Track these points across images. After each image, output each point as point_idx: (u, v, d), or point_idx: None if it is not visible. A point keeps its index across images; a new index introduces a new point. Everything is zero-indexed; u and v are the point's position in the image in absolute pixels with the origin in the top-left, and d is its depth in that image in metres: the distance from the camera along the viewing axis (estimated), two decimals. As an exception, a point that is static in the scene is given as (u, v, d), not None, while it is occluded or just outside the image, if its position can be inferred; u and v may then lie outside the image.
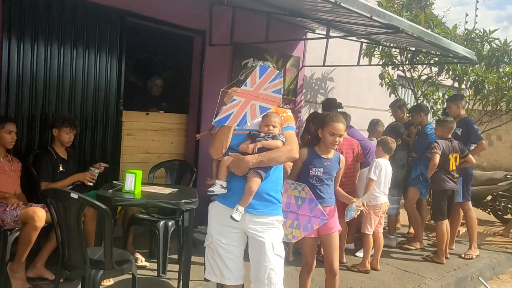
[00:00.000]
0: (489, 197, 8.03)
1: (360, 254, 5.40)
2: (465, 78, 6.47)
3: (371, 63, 7.34)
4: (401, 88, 8.24)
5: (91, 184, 4.43)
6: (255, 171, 2.67)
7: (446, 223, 5.55)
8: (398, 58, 7.18)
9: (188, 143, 6.31)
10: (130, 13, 5.20)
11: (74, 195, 2.86)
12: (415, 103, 7.16)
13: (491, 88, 6.43)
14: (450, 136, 5.56)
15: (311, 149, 3.55)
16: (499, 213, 8.02)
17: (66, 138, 4.34)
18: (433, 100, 7.46)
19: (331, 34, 6.61)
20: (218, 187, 2.74)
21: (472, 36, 6.51)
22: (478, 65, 6.30)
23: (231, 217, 2.64)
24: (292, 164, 5.01)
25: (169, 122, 6.19)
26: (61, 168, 4.34)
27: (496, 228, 7.64)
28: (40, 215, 3.55)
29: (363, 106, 8.57)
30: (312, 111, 7.77)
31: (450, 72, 6.61)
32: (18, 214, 3.58)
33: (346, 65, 7.27)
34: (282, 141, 2.77)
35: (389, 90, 7.61)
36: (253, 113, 2.50)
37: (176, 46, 6.79)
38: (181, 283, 3.91)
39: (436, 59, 6.65)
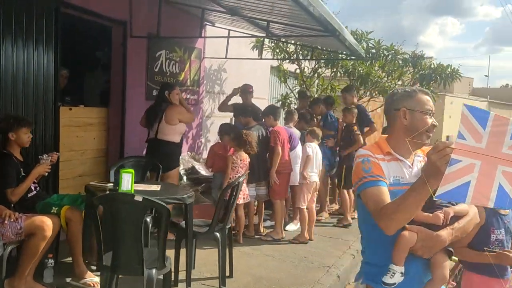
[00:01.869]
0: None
1: (290, 228, 6.14)
2: (356, 72, 7.68)
3: (263, 57, 8.05)
4: (290, 79, 9.16)
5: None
6: (445, 250, 2.01)
7: (351, 191, 6.68)
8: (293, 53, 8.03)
9: (111, 138, 6.13)
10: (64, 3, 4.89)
11: (138, 198, 2.88)
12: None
13: (374, 80, 7.74)
14: (354, 121, 6.66)
15: None
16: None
17: (26, 139, 4.00)
18: (313, 89, 8.59)
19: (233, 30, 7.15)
20: (398, 276, 1.96)
21: (355, 37, 7.71)
22: (359, 61, 7.55)
23: None
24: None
25: (90, 117, 5.92)
26: (22, 173, 3.99)
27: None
28: (48, 224, 3.35)
29: (248, 95, 9.24)
30: (211, 101, 8.17)
31: (338, 68, 7.76)
32: (23, 225, 3.30)
33: (248, 58, 7.81)
34: None
35: (282, 80, 8.45)
36: None
37: (94, 37, 6.41)
38: (178, 275, 4.08)
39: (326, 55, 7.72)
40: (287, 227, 6.17)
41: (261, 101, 9.56)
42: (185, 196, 3.83)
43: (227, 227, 4.22)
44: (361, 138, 6.58)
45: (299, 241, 5.67)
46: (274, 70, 9.73)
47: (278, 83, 9.89)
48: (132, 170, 3.86)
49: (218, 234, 4.10)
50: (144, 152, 5.99)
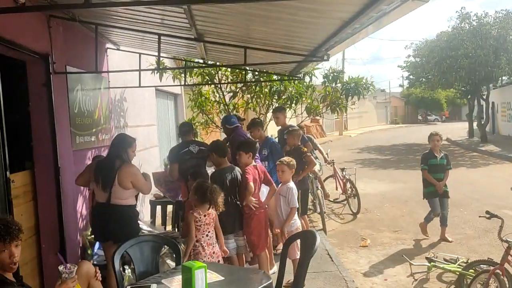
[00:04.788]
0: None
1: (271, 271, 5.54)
2: (287, 92, 7.34)
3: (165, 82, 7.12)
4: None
5: None
6: None
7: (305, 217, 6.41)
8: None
9: (43, 209, 4.56)
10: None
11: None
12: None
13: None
14: (299, 143, 6.33)
15: None
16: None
17: (7, 260, 2.68)
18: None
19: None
20: None
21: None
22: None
23: None
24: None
25: (13, 187, 4.28)
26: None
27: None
28: None
29: (143, 124, 8.10)
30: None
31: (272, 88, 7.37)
32: None
33: (170, 85, 6.80)
34: None
35: (196, 105, 7.61)
36: None
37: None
38: None
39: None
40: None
41: (150, 128, 8.55)
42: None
43: None
44: (313, 159, 6.32)
45: None
46: (161, 94, 8.76)
47: (166, 108, 8.94)
48: (204, 265, 2.89)
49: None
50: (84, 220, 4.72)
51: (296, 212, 5.25)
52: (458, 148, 22.44)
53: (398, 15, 2.80)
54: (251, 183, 4.83)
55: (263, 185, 5.40)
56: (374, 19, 3.03)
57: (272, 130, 8.92)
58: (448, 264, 5.33)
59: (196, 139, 6.25)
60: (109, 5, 2.99)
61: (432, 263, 5.32)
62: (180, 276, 2.98)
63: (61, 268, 2.74)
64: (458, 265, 5.22)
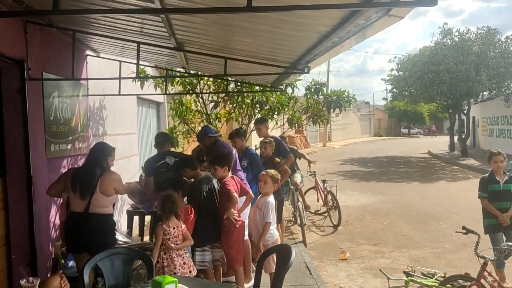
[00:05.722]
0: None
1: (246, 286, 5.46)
2: (269, 102, 7.31)
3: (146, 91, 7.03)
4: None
5: None
6: None
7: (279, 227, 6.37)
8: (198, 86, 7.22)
9: (13, 218, 4.43)
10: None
11: None
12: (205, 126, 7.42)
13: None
14: (272, 153, 6.33)
15: None
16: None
17: None
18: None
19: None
20: None
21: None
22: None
23: None
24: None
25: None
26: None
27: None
28: None
29: (122, 132, 7.99)
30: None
31: (254, 99, 7.35)
32: None
33: (148, 93, 6.71)
34: None
35: (177, 114, 7.54)
36: None
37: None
38: None
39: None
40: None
41: (130, 137, 8.45)
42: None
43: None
44: (287, 168, 6.30)
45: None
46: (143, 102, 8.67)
47: (147, 116, 8.84)
48: (175, 280, 2.82)
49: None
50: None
51: (276, 225, 5.22)
52: (439, 162, 22.67)
53: (377, 29, 2.80)
54: (235, 194, 4.80)
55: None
56: (353, 33, 3.02)
57: (256, 140, 8.90)
58: (426, 278, 5.31)
59: (173, 149, 6.15)
60: (73, 12, 2.93)
61: (409, 278, 5.30)
62: (151, 291, 2.90)
63: (22, 282, 2.63)
64: (436, 279, 5.21)
